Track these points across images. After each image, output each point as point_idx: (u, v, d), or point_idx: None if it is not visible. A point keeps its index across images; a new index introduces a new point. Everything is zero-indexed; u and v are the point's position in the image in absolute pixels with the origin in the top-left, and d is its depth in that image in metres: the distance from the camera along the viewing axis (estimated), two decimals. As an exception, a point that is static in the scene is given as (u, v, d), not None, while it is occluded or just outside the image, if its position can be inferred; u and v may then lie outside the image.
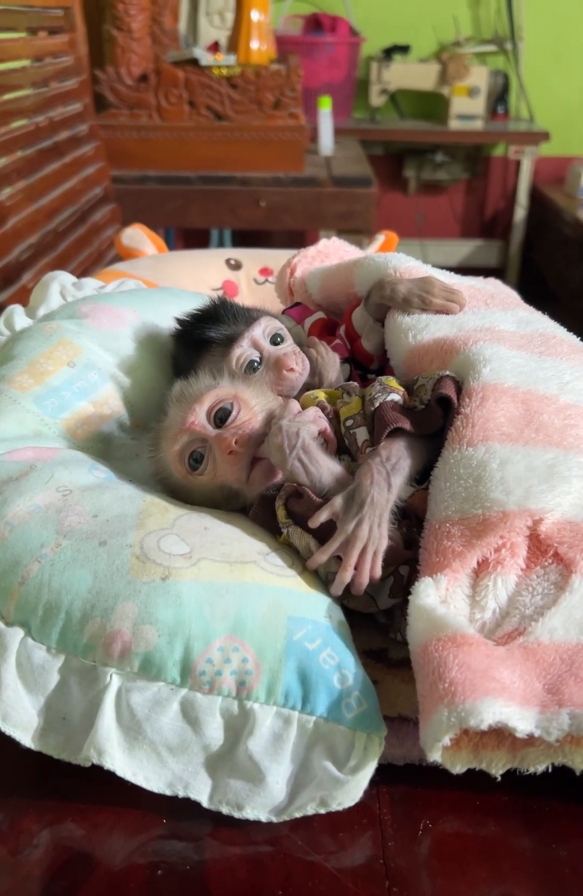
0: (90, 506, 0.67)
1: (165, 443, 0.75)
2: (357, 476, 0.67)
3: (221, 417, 0.74)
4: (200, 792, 0.57)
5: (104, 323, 0.96)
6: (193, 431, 0.73)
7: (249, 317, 0.92)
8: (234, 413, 0.74)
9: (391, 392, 0.73)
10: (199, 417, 0.73)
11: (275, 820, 0.56)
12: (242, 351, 0.89)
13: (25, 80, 1.56)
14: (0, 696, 0.57)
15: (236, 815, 0.56)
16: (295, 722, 0.57)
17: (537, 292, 2.43)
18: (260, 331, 0.90)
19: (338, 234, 1.71)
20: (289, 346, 0.92)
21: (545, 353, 0.79)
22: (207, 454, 0.73)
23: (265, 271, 1.41)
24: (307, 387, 0.88)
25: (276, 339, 0.91)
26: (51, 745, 0.58)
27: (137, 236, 1.49)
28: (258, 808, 0.56)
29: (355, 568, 0.64)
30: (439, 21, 3.23)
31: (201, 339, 0.90)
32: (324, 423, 0.74)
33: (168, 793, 0.57)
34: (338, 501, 0.66)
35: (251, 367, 0.88)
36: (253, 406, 0.75)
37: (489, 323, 0.84)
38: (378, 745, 0.57)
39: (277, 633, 0.59)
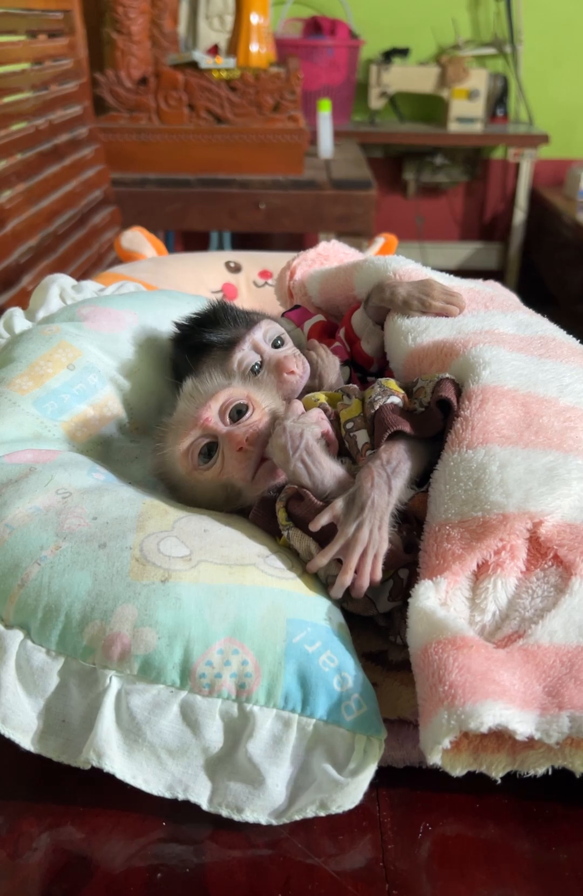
0: (90, 508, 0.67)
1: (173, 437, 0.76)
2: (358, 479, 0.67)
3: (238, 411, 0.74)
4: (200, 794, 0.57)
5: (104, 325, 0.96)
6: (205, 427, 0.74)
7: (248, 320, 0.92)
8: (248, 412, 0.74)
9: (391, 394, 0.73)
10: (213, 413, 0.74)
11: (275, 823, 0.56)
12: (243, 354, 0.89)
13: (25, 83, 1.57)
14: (-1, 698, 0.57)
15: (236, 817, 0.56)
16: (295, 724, 0.57)
17: (536, 295, 2.44)
18: (260, 334, 0.90)
19: (337, 236, 1.71)
20: (289, 348, 0.92)
21: (545, 355, 0.79)
22: (216, 450, 0.73)
23: (265, 274, 1.41)
24: (307, 389, 0.89)
25: (277, 343, 0.91)
26: (50, 748, 0.58)
27: (137, 239, 1.49)
28: (258, 811, 0.56)
29: (356, 571, 0.64)
30: (438, 24, 3.23)
31: (201, 343, 0.90)
32: (326, 425, 0.74)
33: (168, 795, 0.57)
34: (339, 504, 0.66)
35: (253, 371, 0.88)
36: (264, 407, 0.76)
37: (489, 325, 0.84)
38: (378, 748, 0.57)
39: (277, 635, 0.59)
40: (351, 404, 0.76)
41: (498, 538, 0.62)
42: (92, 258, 1.78)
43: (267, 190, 2.11)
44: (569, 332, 0.88)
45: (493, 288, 0.99)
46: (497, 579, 0.61)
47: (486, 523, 0.62)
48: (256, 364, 0.89)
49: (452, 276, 0.98)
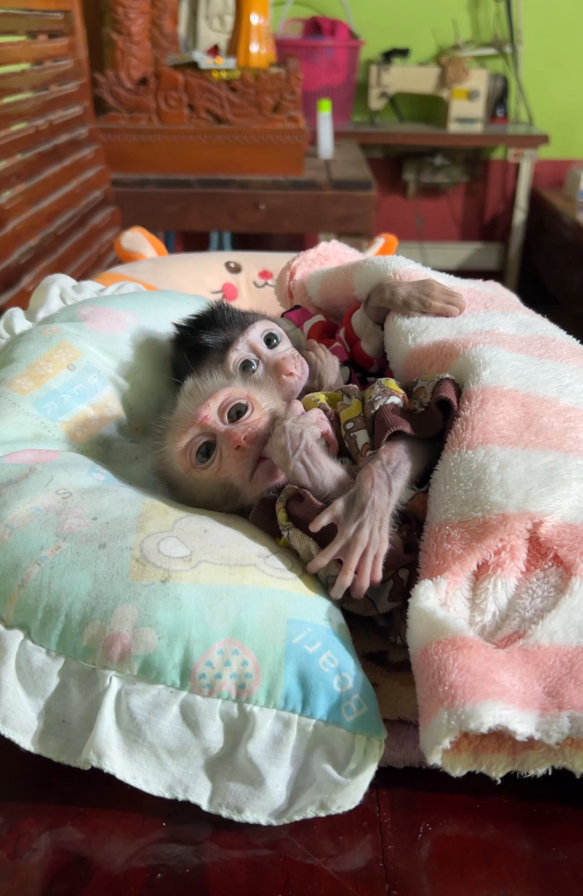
0: (90, 508, 0.67)
1: (172, 435, 0.76)
2: (358, 479, 0.67)
3: (237, 411, 0.74)
4: (200, 795, 0.57)
5: (104, 326, 0.96)
6: (204, 426, 0.74)
7: (244, 321, 0.92)
8: (247, 412, 0.75)
9: (391, 395, 0.73)
10: (212, 412, 0.74)
11: (275, 823, 0.56)
12: (239, 354, 0.89)
13: (25, 84, 1.57)
14: (-1, 698, 0.57)
15: (236, 818, 0.56)
16: (295, 725, 0.57)
17: (536, 295, 2.44)
18: (256, 334, 0.91)
19: (337, 237, 1.71)
20: (287, 348, 0.92)
21: (545, 355, 0.79)
22: (214, 449, 0.74)
23: (265, 274, 1.41)
24: (307, 390, 0.88)
25: (270, 340, 0.91)
26: (50, 748, 0.58)
27: (137, 239, 1.49)
28: (258, 812, 0.56)
29: (356, 571, 0.64)
30: (438, 24, 3.24)
31: (198, 345, 0.90)
32: (326, 426, 0.74)
33: (168, 796, 0.57)
34: (339, 505, 0.66)
35: (246, 367, 0.88)
36: (263, 407, 0.76)
37: (489, 326, 0.84)
38: (378, 748, 0.57)
39: (277, 635, 0.59)
40: (351, 404, 0.76)
41: (498, 538, 0.62)
42: (92, 259, 1.78)
43: (267, 190, 2.11)
44: (569, 333, 0.88)
45: (493, 288, 0.99)
46: (497, 580, 0.61)
47: (486, 523, 0.62)
48: (251, 362, 0.89)
49: (452, 276, 0.98)
